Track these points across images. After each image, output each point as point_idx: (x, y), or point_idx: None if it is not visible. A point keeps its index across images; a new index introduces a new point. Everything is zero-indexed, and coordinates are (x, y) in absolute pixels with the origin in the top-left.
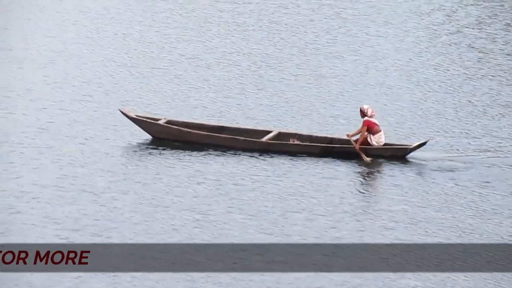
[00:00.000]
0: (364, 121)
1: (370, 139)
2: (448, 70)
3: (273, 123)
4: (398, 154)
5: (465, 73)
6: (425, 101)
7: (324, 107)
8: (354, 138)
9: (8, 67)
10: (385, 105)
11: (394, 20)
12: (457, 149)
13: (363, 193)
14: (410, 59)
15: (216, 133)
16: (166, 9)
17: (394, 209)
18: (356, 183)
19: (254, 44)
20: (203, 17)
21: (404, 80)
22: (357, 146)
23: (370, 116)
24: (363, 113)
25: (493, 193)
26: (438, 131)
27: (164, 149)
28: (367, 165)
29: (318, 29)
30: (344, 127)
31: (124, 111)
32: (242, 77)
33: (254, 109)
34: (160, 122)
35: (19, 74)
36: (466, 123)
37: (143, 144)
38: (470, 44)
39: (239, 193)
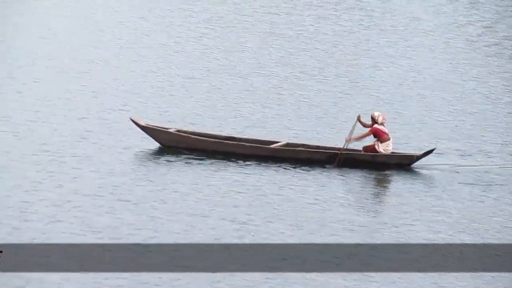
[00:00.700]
0: (372, 128)
1: (378, 146)
2: (487, 81)
3: (311, 134)
4: (404, 162)
5: (504, 85)
6: (462, 112)
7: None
8: (354, 142)
9: (47, 76)
10: (424, 115)
11: (433, 32)
12: (506, 160)
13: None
14: (448, 70)
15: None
16: (205, 19)
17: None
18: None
19: (293, 55)
20: (241, 27)
21: (443, 91)
22: (347, 138)
23: (381, 124)
24: (373, 120)
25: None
26: (476, 142)
27: (190, 159)
28: (374, 172)
29: (358, 40)
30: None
31: (135, 120)
32: (280, 87)
33: (293, 120)
34: (170, 130)
35: (57, 83)
36: (507, 135)
37: (174, 153)
38: (510, 55)
39: (271, 202)
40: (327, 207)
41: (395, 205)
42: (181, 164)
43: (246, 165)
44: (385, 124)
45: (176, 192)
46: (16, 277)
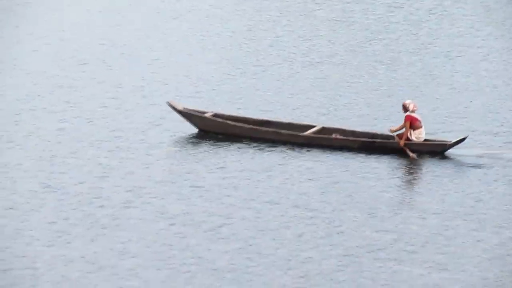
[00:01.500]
0: (406, 116)
1: (410, 134)
2: None
3: (371, 122)
4: (437, 150)
5: None
6: None
7: (434, 109)
8: (397, 133)
9: (120, 64)
10: (496, 106)
11: (504, 22)
12: None
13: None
14: None
15: (261, 127)
16: (277, 7)
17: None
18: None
19: (364, 43)
20: (313, 16)
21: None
22: (401, 142)
23: (412, 111)
24: (405, 108)
25: None
26: None
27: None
28: (408, 160)
29: (429, 29)
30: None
31: (172, 104)
32: (352, 76)
33: (363, 109)
34: (207, 115)
35: (131, 71)
36: None
37: (228, 140)
38: None
39: (340, 190)
40: (398, 194)
41: (458, 193)
42: (242, 151)
43: (307, 151)
44: (416, 112)
45: (247, 179)
46: (86, 261)
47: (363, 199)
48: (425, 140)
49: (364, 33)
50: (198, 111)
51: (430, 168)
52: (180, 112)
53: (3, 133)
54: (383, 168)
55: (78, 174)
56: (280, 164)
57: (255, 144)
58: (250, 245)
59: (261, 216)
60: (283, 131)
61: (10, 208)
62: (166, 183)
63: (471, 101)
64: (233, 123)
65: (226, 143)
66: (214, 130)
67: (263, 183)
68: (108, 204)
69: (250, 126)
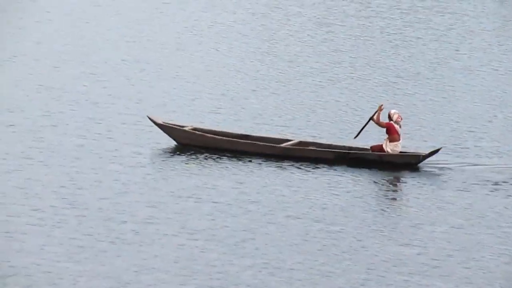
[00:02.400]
0: (387, 123)
1: (386, 145)
2: None
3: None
4: (411, 162)
5: None
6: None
7: (457, 122)
8: (373, 145)
9: (141, 79)
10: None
11: None
12: None
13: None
14: None
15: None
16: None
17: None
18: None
19: (384, 57)
20: (333, 30)
21: None
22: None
23: (395, 122)
24: (389, 117)
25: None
26: None
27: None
28: (382, 171)
29: (450, 44)
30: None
31: (152, 118)
32: (375, 91)
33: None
34: (186, 128)
35: (151, 87)
36: None
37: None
38: None
39: (363, 204)
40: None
41: (464, 204)
42: (242, 166)
43: (317, 166)
44: (400, 123)
45: (271, 194)
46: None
47: (374, 213)
48: (400, 152)
49: (383, 46)
50: (177, 125)
51: (421, 180)
52: (159, 125)
53: (24, 149)
54: (364, 181)
55: (99, 189)
56: (302, 179)
57: (243, 158)
58: (272, 260)
59: (283, 230)
60: (260, 143)
61: (34, 225)
62: (186, 199)
63: (494, 116)
64: (211, 136)
65: (224, 158)
66: (193, 143)
67: (281, 197)
68: (130, 219)
69: (229, 139)
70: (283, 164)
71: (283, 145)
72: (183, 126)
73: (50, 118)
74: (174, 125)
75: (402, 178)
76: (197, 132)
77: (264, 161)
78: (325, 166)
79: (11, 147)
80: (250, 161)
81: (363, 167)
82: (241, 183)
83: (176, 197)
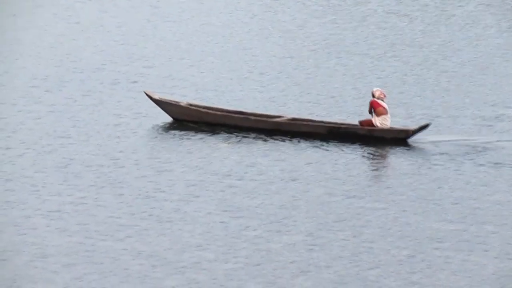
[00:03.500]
0: (370, 101)
1: (375, 119)
2: None
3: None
4: (400, 137)
5: None
6: None
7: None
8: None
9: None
10: None
11: None
12: None
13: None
14: None
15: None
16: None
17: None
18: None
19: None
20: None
21: None
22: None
23: (378, 98)
24: (372, 95)
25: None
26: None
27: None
28: (372, 147)
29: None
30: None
31: (149, 93)
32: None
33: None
34: (181, 104)
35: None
36: None
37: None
38: None
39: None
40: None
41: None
42: (271, 144)
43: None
44: (384, 100)
45: (304, 171)
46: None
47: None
48: (390, 127)
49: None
50: (173, 101)
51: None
52: (155, 101)
53: (65, 128)
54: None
55: (138, 168)
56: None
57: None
58: (313, 237)
59: (323, 209)
60: (254, 118)
61: (75, 204)
62: (224, 177)
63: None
64: (206, 110)
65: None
66: (188, 119)
67: (320, 175)
68: (171, 198)
69: (223, 113)
70: (320, 143)
71: (276, 119)
72: (178, 102)
73: (89, 98)
74: (170, 100)
75: (391, 153)
76: (192, 107)
77: (308, 140)
78: (318, 140)
79: (50, 127)
80: (284, 140)
81: (353, 142)
82: (281, 160)
83: (214, 175)
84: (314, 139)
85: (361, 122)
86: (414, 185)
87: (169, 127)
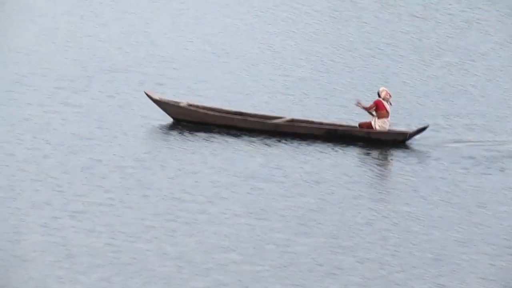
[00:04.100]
0: (375, 100)
1: (374, 122)
2: None
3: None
4: (398, 139)
5: None
6: None
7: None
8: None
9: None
10: None
11: None
12: None
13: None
14: None
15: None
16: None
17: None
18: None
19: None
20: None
21: None
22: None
23: (383, 98)
24: (378, 94)
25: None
26: None
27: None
28: (369, 149)
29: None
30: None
31: (149, 94)
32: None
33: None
34: (181, 104)
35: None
36: None
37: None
38: None
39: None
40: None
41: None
42: (293, 146)
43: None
44: (390, 101)
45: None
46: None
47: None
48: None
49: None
50: (173, 101)
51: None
52: (156, 101)
53: (91, 129)
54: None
55: (164, 170)
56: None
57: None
58: (339, 240)
59: (348, 211)
60: (252, 119)
61: (102, 205)
62: (249, 179)
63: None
64: (204, 111)
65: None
66: (187, 119)
67: (344, 177)
68: (197, 199)
69: (222, 114)
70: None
71: (274, 121)
72: (178, 102)
73: (114, 99)
74: (170, 101)
75: (389, 155)
76: (191, 107)
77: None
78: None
79: (76, 128)
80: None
81: (351, 144)
82: (304, 162)
83: (239, 177)
84: (324, 141)
85: (360, 124)
86: (437, 189)
87: (193, 128)
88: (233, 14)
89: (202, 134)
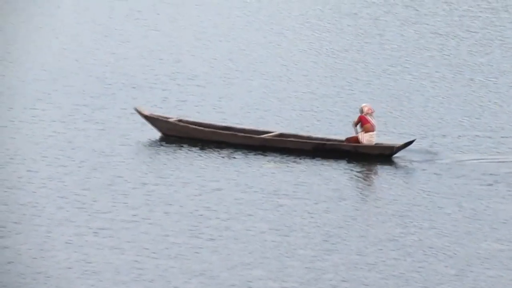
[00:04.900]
0: (359, 116)
1: (362, 136)
2: None
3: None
4: (385, 153)
5: None
6: None
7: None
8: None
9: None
10: None
11: None
12: None
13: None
14: None
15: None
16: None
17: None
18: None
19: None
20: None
21: None
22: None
23: (366, 114)
24: (361, 110)
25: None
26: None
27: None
28: (356, 162)
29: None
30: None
31: (139, 109)
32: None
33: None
34: (171, 120)
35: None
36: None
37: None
38: None
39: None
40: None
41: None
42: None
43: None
44: (373, 116)
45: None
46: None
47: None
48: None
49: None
50: (162, 116)
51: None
52: (146, 117)
53: (114, 146)
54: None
55: (187, 187)
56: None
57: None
58: (363, 256)
59: (373, 227)
60: (241, 134)
61: (126, 221)
62: (271, 196)
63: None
64: (194, 127)
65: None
66: (177, 134)
67: (371, 193)
68: (220, 216)
69: (211, 130)
70: (337, 160)
71: (263, 136)
72: (168, 118)
73: (137, 116)
74: (160, 116)
75: (375, 169)
76: (181, 123)
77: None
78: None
79: (99, 144)
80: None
81: (338, 158)
82: (327, 179)
83: (262, 194)
84: (342, 158)
85: (347, 139)
86: (460, 205)
87: (213, 146)
88: (258, 31)
89: (219, 151)
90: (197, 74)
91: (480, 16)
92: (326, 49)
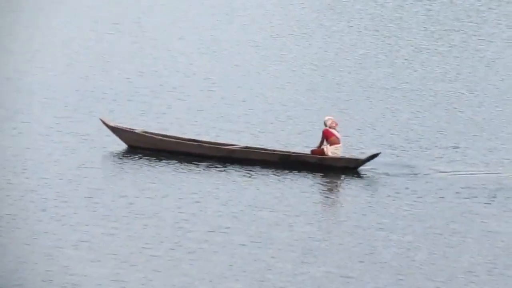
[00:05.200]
0: (323, 130)
1: (327, 149)
2: None
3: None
4: (350, 166)
5: None
6: None
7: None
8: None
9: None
10: None
11: None
12: None
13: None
14: None
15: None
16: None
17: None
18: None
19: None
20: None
21: None
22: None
23: (329, 127)
24: (324, 123)
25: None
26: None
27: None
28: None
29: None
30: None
31: (104, 120)
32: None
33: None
34: (136, 131)
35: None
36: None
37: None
38: None
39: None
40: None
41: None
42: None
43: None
44: (337, 129)
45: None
46: None
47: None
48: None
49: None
50: (128, 128)
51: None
52: (111, 128)
53: (95, 159)
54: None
55: (166, 199)
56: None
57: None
58: (345, 269)
59: (353, 240)
60: (207, 145)
61: (106, 234)
62: (252, 208)
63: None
64: (160, 138)
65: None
66: (142, 146)
67: (355, 205)
68: (201, 228)
69: (177, 140)
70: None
71: (229, 147)
72: (133, 129)
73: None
74: (125, 128)
75: (340, 182)
76: (146, 134)
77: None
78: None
79: (78, 157)
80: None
81: (303, 170)
82: (308, 193)
83: (244, 207)
84: (308, 171)
85: (313, 151)
86: (442, 217)
87: (193, 160)
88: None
89: (203, 165)
90: (175, 86)
91: (457, 30)
92: (298, 62)
